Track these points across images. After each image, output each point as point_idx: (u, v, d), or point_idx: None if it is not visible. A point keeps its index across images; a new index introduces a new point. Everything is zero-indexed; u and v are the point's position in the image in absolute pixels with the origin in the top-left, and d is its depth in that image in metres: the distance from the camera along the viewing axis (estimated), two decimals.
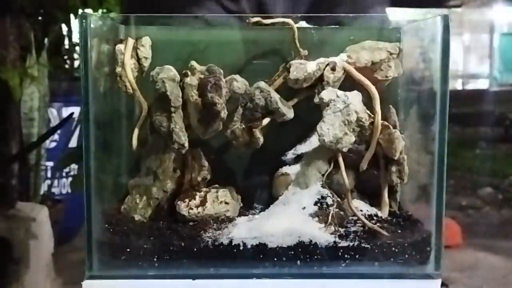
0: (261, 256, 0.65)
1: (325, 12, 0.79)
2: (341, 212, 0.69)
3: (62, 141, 2.63)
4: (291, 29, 0.73)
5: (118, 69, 0.70)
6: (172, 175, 0.73)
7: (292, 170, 0.73)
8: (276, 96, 0.70)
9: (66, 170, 2.63)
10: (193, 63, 0.70)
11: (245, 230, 0.67)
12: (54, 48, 2.66)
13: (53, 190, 2.63)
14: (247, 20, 0.71)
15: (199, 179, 0.74)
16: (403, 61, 0.74)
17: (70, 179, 2.68)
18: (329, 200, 0.69)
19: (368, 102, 0.70)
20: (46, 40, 2.45)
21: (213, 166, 0.75)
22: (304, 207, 0.69)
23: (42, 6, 2.45)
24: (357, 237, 0.66)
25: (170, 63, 0.69)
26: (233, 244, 0.65)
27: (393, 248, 0.66)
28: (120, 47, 0.70)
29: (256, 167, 0.77)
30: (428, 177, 0.69)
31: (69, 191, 2.68)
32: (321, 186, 0.71)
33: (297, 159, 0.76)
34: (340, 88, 0.70)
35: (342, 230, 0.67)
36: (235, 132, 0.70)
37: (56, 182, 2.66)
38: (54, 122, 2.55)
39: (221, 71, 0.69)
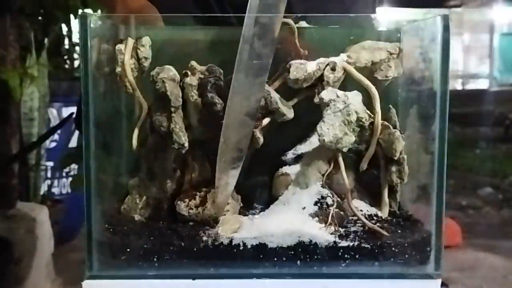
0: (261, 256, 0.65)
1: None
2: (341, 212, 0.69)
3: (62, 141, 2.63)
4: (291, 29, 0.73)
5: (118, 69, 0.70)
6: (172, 175, 0.73)
7: (292, 170, 0.73)
8: (276, 96, 0.70)
9: (66, 170, 2.63)
10: (193, 63, 0.70)
11: (245, 230, 0.67)
12: (54, 48, 2.66)
13: (53, 190, 2.63)
14: None
15: (199, 179, 0.74)
16: (403, 61, 0.74)
17: (70, 179, 2.68)
18: (329, 200, 0.69)
19: (368, 102, 0.70)
20: (46, 40, 2.45)
21: (213, 166, 0.75)
22: (304, 207, 0.69)
23: (42, 6, 2.45)
24: (357, 237, 0.66)
25: (169, 63, 0.69)
26: (233, 244, 0.65)
27: (393, 248, 0.66)
28: (120, 47, 0.70)
29: (256, 167, 0.77)
30: (428, 177, 0.69)
31: (69, 191, 2.69)
32: (321, 186, 0.71)
33: (297, 159, 0.76)
34: (340, 88, 0.70)
35: (342, 230, 0.67)
36: None
37: (56, 182, 2.66)
38: (54, 122, 2.55)
39: (221, 71, 0.69)
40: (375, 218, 0.70)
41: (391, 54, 0.72)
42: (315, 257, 0.65)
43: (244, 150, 0.69)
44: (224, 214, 0.71)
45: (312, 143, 0.76)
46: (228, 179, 0.69)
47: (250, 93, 0.68)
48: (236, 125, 0.68)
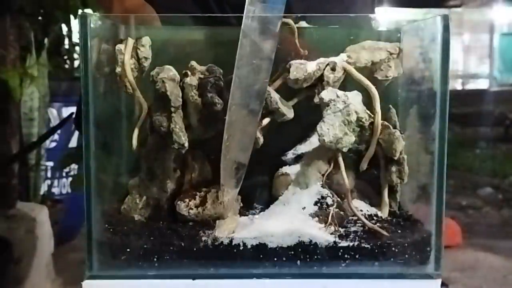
0: (261, 256, 0.65)
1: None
2: (341, 212, 0.69)
3: (62, 141, 2.63)
4: (291, 29, 0.73)
5: (118, 69, 0.70)
6: (172, 175, 0.73)
7: (292, 170, 0.73)
8: (276, 96, 0.70)
9: (66, 170, 2.63)
10: (193, 63, 0.70)
11: (245, 230, 0.67)
12: (54, 48, 2.66)
13: (53, 190, 2.63)
14: None
15: (199, 179, 0.74)
16: (403, 61, 0.74)
17: (70, 179, 2.68)
18: (329, 200, 0.69)
19: (368, 102, 0.70)
20: (46, 40, 2.45)
21: (213, 166, 0.75)
22: (304, 207, 0.69)
23: (42, 6, 2.45)
24: (357, 237, 0.66)
25: (169, 63, 0.69)
26: (233, 244, 0.65)
27: (393, 248, 0.66)
28: (120, 47, 0.70)
29: (256, 167, 0.77)
30: (428, 177, 0.69)
31: (69, 191, 2.68)
32: (321, 186, 0.71)
33: (297, 159, 0.76)
34: (340, 88, 0.70)
35: (342, 230, 0.67)
36: None
37: (56, 182, 2.66)
38: (54, 122, 2.55)
39: (221, 71, 0.69)
40: (375, 218, 0.70)
41: (391, 54, 0.72)
42: (315, 257, 0.65)
43: (249, 151, 0.69)
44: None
45: (312, 143, 0.76)
46: (233, 181, 0.69)
47: (252, 90, 0.68)
48: (239, 124, 0.68)
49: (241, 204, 0.75)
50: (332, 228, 0.67)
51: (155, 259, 0.65)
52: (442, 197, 0.67)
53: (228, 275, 0.65)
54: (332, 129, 0.67)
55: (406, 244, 0.66)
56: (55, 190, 2.65)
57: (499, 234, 3.12)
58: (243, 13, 0.68)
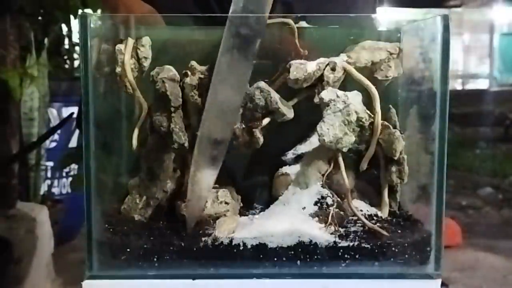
0: (261, 256, 0.65)
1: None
2: (341, 212, 0.69)
3: (62, 141, 2.64)
4: (291, 29, 0.73)
5: (118, 69, 0.70)
6: (172, 175, 0.73)
7: (292, 170, 0.73)
8: (276, 96, 0.70)
9: (66, 170, 2.63)
10: (193, 63, 0.70)
11: (245, 230, 0.67)
12: (54, 48, 2.66)
13: (53, 190, 2.63)
14: None
15: None
16: (403, 61, 0.74)
17: (70, 179, 2.68)
18: (329, 200, 0.69)
19: (368, 102, 0.70)
20: (46, 40, 2.45)
21: None
22: (304, 207, 0.69)
23: (42, 6, 2.45)
24: (357, 237, 0.66)
25: (170, 63, 0.69)
26: (233, 244, 0.65)
27: (393, 248, 0.66)
28: (120, 47, 0.70)
29: (256, 167, 0.77)
30: (428, 177, 0.69)
31: (69, 191, 2.69)
32: (321, 186, 0.71)
33: (297, 159, 0.76)
34: (340, 88, 0.70)
35: (342, 230, 0.67)
36: (235, 132, 0.70)
37: (56, 182, 2.66)
38: (54, 122, 2.55)
39: None
40: (375, 218, 0.70)
41: (391, 54, 0.72)
42: (315, 257, 0.65)
43: (223, 150, 0.68)
44: (225, 215, 0.71)
45: (312, 143, 0.76)
46: (204, 181, 0.68)
47: (233, 85, 0.67)
48: (215, 122, 0.67)
49: (241, 204, 0.75)
50: (332, 228, 0.67)
51: (155, 259, 0.65)
52: (442, 197, 0.67)
53: (228, 275, 0.65)
54: (332, 129, 0.67)
55: (406, 244, 0.66)
56: (55, 190, 2.65)
57: (499, 234, 3.12)
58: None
